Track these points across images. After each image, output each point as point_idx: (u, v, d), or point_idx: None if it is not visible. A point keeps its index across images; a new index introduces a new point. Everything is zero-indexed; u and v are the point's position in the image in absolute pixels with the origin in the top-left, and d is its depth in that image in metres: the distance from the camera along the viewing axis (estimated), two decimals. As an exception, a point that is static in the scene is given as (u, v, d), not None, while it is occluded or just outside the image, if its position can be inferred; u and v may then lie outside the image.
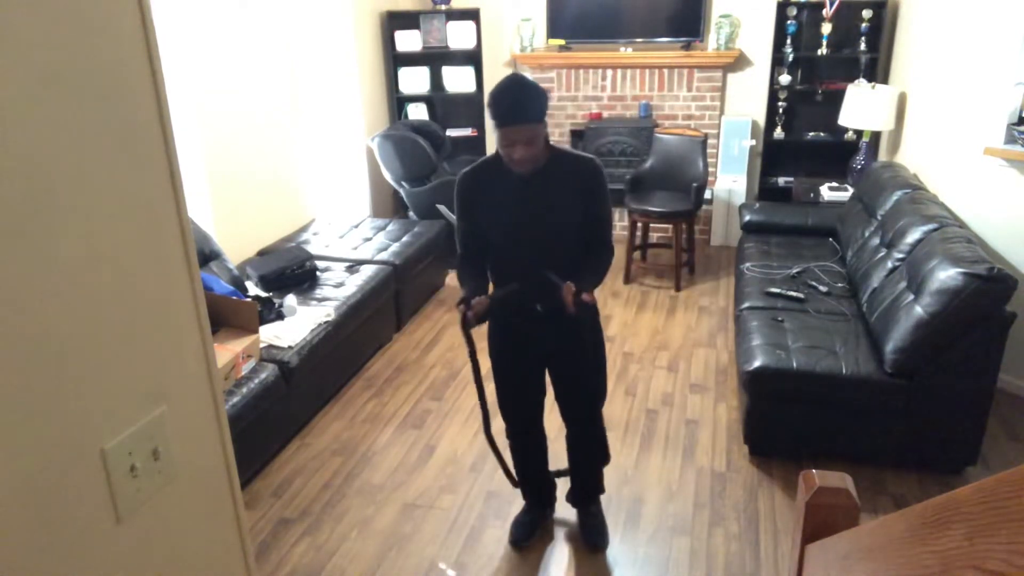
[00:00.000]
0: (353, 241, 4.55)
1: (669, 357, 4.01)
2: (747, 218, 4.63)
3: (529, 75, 5.79)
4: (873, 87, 4.64)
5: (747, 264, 4.02)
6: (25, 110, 0.80)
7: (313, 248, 4.38)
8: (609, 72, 5.64)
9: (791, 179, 5.46)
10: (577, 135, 5.77)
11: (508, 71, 5.92)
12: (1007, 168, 3.42)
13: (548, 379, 2.57)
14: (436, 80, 5.84)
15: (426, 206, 5.10)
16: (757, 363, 2.97)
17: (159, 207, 0.98)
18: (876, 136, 5.06)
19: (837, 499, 1.15)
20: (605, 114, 5.73)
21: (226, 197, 3.98)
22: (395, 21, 5.64)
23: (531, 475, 2.72)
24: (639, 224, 5.06)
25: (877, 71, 5.12)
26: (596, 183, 2.28)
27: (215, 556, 1.16)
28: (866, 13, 5.01)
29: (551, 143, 2.29)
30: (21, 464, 0.82)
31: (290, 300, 3.60)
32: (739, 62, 5.48)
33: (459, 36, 5.62)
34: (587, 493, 2.73)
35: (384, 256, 4.29)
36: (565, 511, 2.83)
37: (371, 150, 5.33)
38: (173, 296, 1.02)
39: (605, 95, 5.71)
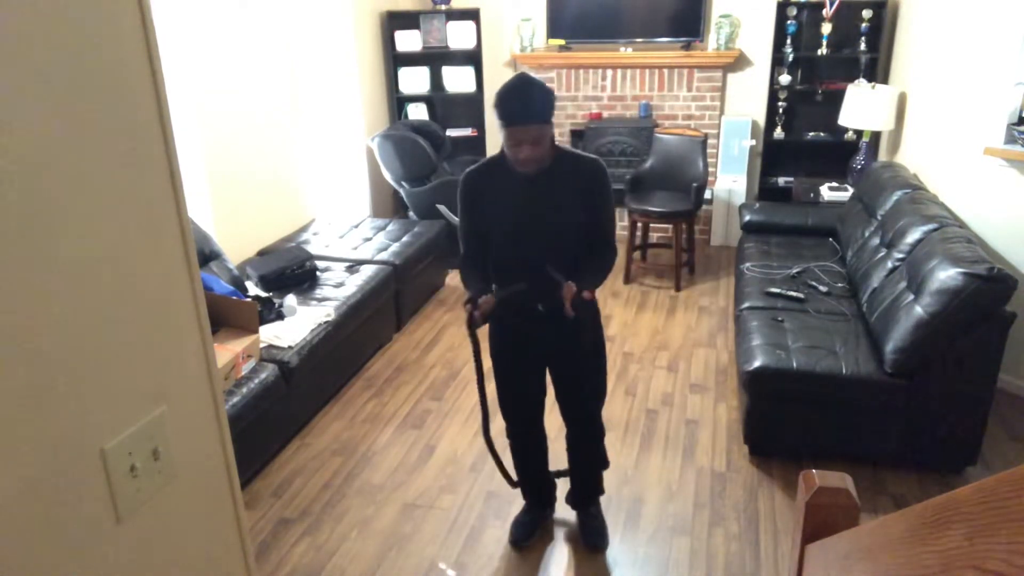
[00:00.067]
0: (353, 241, 4.55)
1: (669, 357, 4.01)
2: (747, 218, 4.63)
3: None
4: (873, 87, 4.64)
5: (747, 264, 4.02)
6: (25, 110, 0.80)
7: (313, 248, 4.38)
8: (609, 72, 5.64)
9: (791, 179, 5.46)
10: (577, 135, 5.77)
11: (508, 71, 5.92)
12: (1007, 168, 3.42)
13: (549, 379, 2.57)
14: (436, 80, 5.84)
15: (426, 206, 5.10)
16: (757, 363, 2.97)
17: (159, 207, 0.98)
18: (876, 136, 5.06)
19: (837, 499, 1.15)
20: (605, 114, 5.73)
21: (226, 197, 3.98)
22: (395, 21, 5.64)
23: (531, 475, 2.72)
24: (639, 224, 5.06)
25: (877, 71, 5.12)
26: (600, 184, 2.28)
27: (215, 556, 1.16)
28: (866, 13, 5.01)
29: (555, 143, 2.29)
30: (21, 464, 0.82)
31: (290, 300, 3.60)
32: (739, 62, 5.48)
33: (459, 36, 5.62)
34: (586, 494, 2.73)
35: (384, 256, 4.29)
36: (565, 511, 2.83)
37: (371, 150, 5.33)
38: (173, 296, 1.02)
39: (605, 95, 5.71)
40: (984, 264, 2.70)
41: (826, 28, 5.10)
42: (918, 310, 2.79)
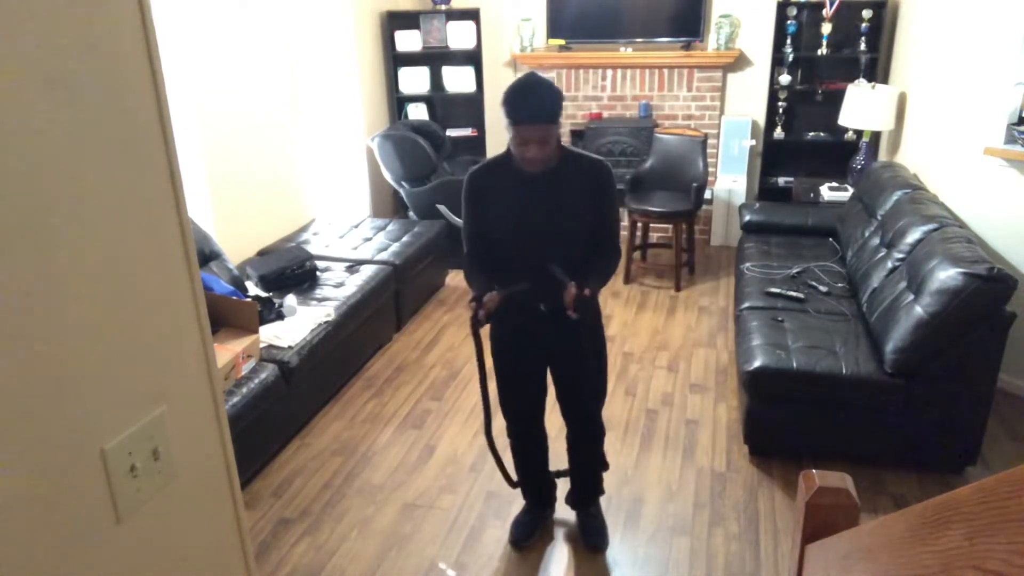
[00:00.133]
0: (353, 241, 4.55)
1: (669, 357, 4.01)
2: (747, 218, 4.63)
3: (529, 75, 5.81)
4: (873, 87, 4.64)
5: (747, 264, 4.02)
6: (25, 110, 0.80)
7: (313, 248, 4.38)
8: (609, 72, 5.64)
9: (791, 179, 5.46)
10: (577, 135, 5.77)
11: (508, 71, 5.92)
12: (1007, 168, 3.42)
13: (550, 379, 2.57)
14: (436, 80, 5.84)
15: (426, 206, 5.10)
16: (757, 363, 2.97)
17: (159, 207, 0.98)
18: (876, 136, 5.06)
19: (837, 499, 1.15)
20: (605, 114, 5.73)
21: (226, 197, 3.98)
22: (395, 21, 5.64)
23: (531, 475, 2.72)
24: (639, 224, 5.06)
25: (877, 71, 5.12)
26: (605, 185, 2.28)
27: (215, 556, 1.16)
28: (866, 13, 5.01)
29: (561, 143, 2.29)
30: (21, 464, 0.82)
31: (290, 300, 3.60)
32: (739, 62, 5.48)
33: (459, 36, 5.62)
34: (586, 494, 2.73)
35: (384, 256, 4.29)
36: (565, 511, 2.83)
37: (371, 150, 5.33)
38: (173, 296, 1.02)
39: (605, 95, 5.71)
40: (984, 264, 2.70)
41: (826, 28, 5.10)
42: (918, 310, 2.79)
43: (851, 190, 4.77)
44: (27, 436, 0.83)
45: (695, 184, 4.84)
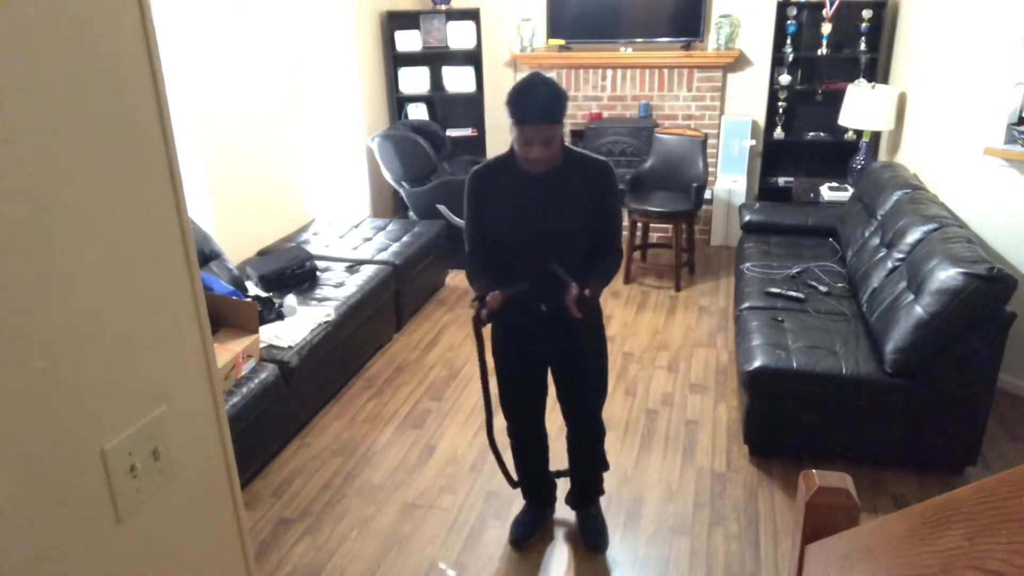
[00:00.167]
0: (353, 241, 4.55)
1: (669, 357, 4.01)
2: (747, 218, 4.63)
3: (529, 75, 5.81)
4: (873, 87, 4.64)
5: (747, 264, 4.02)
6: (25, 110, 0.80)
7: (313, 248, 4.38)
8: (609, 72, 5.64)
9: (791, 179, 5.46)
10: (577, 135, 5.77)
11: (508, 71, 5.92)
12: (1007, 168, 3.42)
13: (550, 378, 2.57)
14: (436, 80, 5.84)
15: (426, 206, 5.10)
16: (757, 363, 2.97)
17: (159, 207, 0.98)
18: (876, 136, 5.06)
19: (837, 499, 1.15)
20: (605, 114, 5.73)
21: (226, 197, 3.98)
22: (395, 21, 5.64)
23: (531, 474, 2.72)
24: (639, 224, 5.06)
25: (877, 71, 5.12)
26: (607, 185, 2.29)
27: (215, 556, 1.16)
28: (866, 13, 5.01)
29: (565, 143, 2.29)
30: (21, 464, 0.82)
31: (290, 300, 3.60)
32: (739, 62, 5.48)
33: (459, 36, 5.62)
34: (586, 494, 2.73)
35: (384, 256, 4.29)
36: (565, 511, 2.83)
37: (371, 150, 5.33)
38: (173, 296, 1.02)
39: (605, 95, 5.71)
40: (984, 264, 2.70)
41: (826, 28, 5.10)
42: (918, 310, 2.79)
43: (851, 190, 4.77)
44: (27, 436, 0.83)
45: (695, 184, 4.84)
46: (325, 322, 3.50)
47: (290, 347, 3.26)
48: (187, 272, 1.04)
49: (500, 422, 2.66)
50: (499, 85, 5.96)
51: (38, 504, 0.85)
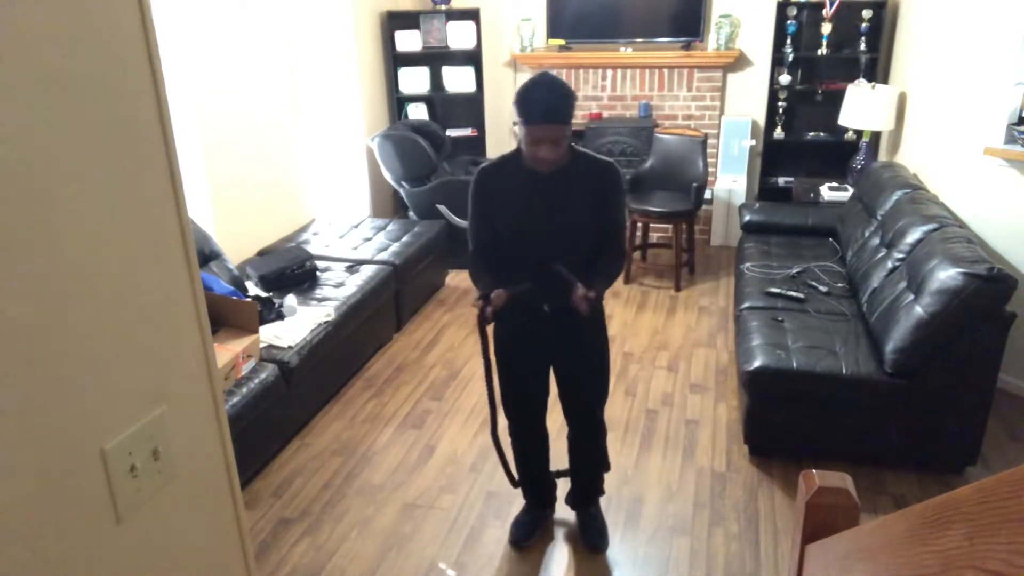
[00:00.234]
0: (353, 241, 4.55)
1: (669, 357, 4.01)
2: (747, 218, 4.63)
3: (528, 75, 5.80)
4: (873, 87, 4.64)
5: (747, 264, 4.02)
6: (25, 110, 0.80)
7: (313, 248, 4.38)
8: (609, 72, 5.64)
9: (791, 179, 5.46)
10: (577, 135, 5.77)
11: (508, 71, 5.93)
12: (1007, 168, 3.42)
13: (552, 378, 2.57)
14: (436, 80, 5.84)
15: (426, 206, 5.10)
16: (757, 363, 2.97)
17: (159, 207, 0.98)
18: (876, 136, 5.06)
19: (837, 499, 1.15)
20: (605, 114, 5.73)
21: (226, 197, 3.98)
22: (395, 21, 5.64)
23: (532, 474, 2.72)
24: (639, 224, 5.06)
25: (877, 71, 5.12)
26: (613, 187, 2.29)
27: (215, 556, 1.16)
28: (866, 13, 5.01)
29: (572, 144, 2.29)
30: (21, 464, 0.82)
31: (290, 300, 3.60)
32: (739, 62, 5.48)
33: (459, 36, 5.62)
34: (587, 495, 2.73)
35: (384, 256, 4.29)
36: (565, 511, 2.83)
37: (371, 150, 5.33)
38: (173, 296, 1.02)
39: (605, 95, 5.71)
40: (984, 264, 2.70)
41: (826, 28, 5.10)
42: (918, 310, 2.79)
43: (851, 190, 4.77)
44: (27, 436, 0.83)
45: (695, 184, 4.84)
46: (325, 322, 3.50)
47: (290, 347, 3.26)
48: (187, 272, 1.04)
49: (502, 421, 2.66)
50: (499, 85, 5.96)
51: (38, 504, 0.85)
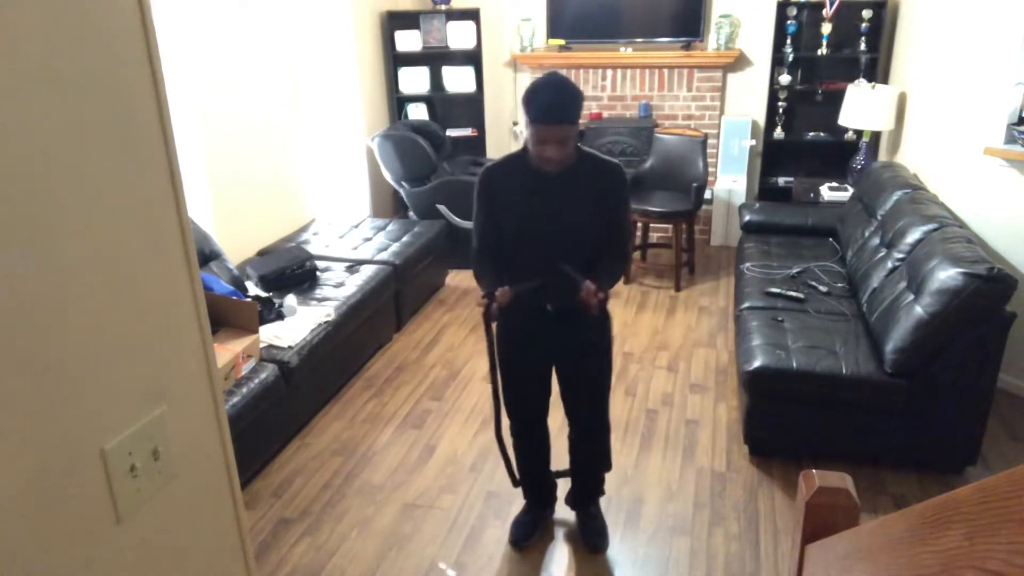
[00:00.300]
0: (353, 241, 4.55)
1: (669, 357, 4.01)
2: (747, 218, 4.63)
3: (529, 75, 5.81)
4: (873, 87, 4.64)
5: (747, 264, 4.02)
6: (25, 110, 0.80)
7: (313, 248, 4.38)
8: (609, 72, 5.64)
9: (791, 179, 5.46)
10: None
11: (508, 71, 5.92)
12: (1007, 168, 3.42)
13: (554, 378, 2.57)
14: (436, 80, 5.84)
15: (426, 206, 5.10)
16: (757, 363, 2.97)
17: (159, 207, 0.98)
18: (876, 136, 5.06)
19: (837, 499, 1.15)
20: (605, 114, 5.73)
21: (226, 197, 3.98)
22: (395, 21, 5.64)
23: (532, 474, 2.72)
24: (639, 224, 5.06)
25: (877, 71, 5.12)
26: (618, 188, 2.29)
27: (215, 556, 1.16)
28: (866, 13, 5.01)
29: (578, 144, 2.29)
30: (21, 464, 0.82)
31: (290, 300, 3.60)
32: (739, 62, 5.48)
33: (459, 36, 5.62)
34: (587, 495, 2.73)
35: (384, 256, 4.29)
36: (565, 511, 2.83)
37: (371, 150, 5.33)
38: (173, 296, 1.02)
39: (605, 95, 5.71)
40: (984, 264, 2.70)
41: (826, 28, 5.10)
42: (918, 310, 2.79)
43: (851, 190, 4.77)
44: (27, 436, 0.83)
45: (695, 184, 4.84)
46: (325, 322, 3.50)
47: (290, 347, 3.26)
48: (187, 272, 1.04)
49: (503, 421, 2.66)
50: (499, 85, 5.96)
51: (38, 504, 0.85)
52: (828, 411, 2.96)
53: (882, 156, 5.11)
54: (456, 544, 2.71)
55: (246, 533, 1.22)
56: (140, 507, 0.99)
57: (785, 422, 3.03)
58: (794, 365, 2.94)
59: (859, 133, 5.01)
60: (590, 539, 2.68)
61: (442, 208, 5.04)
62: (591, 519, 2.72)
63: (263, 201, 4.35)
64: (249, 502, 2.94)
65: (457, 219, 4.99)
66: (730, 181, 5.46)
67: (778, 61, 5.26)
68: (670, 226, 5.35)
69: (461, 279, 5.05)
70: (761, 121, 5.45)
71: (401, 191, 5.20)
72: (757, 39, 5.40)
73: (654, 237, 5.57)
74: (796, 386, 2.94)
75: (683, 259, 4.97)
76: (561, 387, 2.55)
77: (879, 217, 3.76)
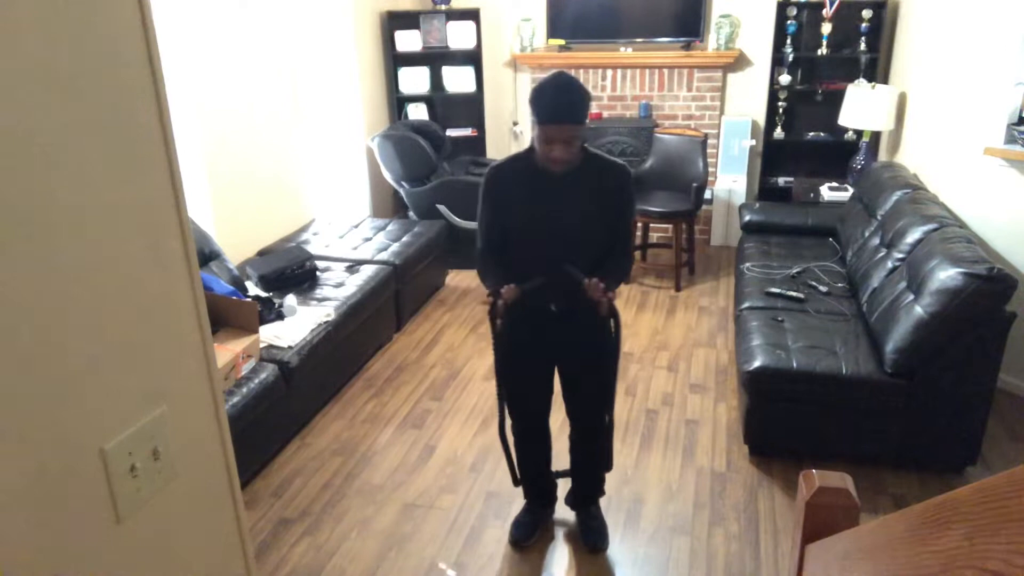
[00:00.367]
0: (353, 241, 4.55)
1: (669, 357, 4.01)
2: (747, 218, 4.63)
3: (528, 75, 5.81)
4: (873, 87, 4.64)
5: (747, 264, 4.02)
6: (25, 110, 0.80)
7: (313, 248, 4.38)
8: (609, 72, 5.64)
9: (791, 179, 5.46)
10: (577, 135, 5.76)
11: (508, 71, 5.92)
12: (1007, 168, 3.42)
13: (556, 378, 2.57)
14: (436, 80, 5.84)
15: (426, 206, 5.10)
16: (757, 363, 2.97)
17: (159, 207, 0.98)
18: (876, 136, 5.06)
19: (837, 499, 1.15)
20: (605, 114, 5.73)
21: (226, 197, 3.98)
22: (395, 21, 5.64)
23: (533, 473, 2.72)
24: (639, 224, 5.06)
25: (877, 71, 5.12)
26: (624, 189, 2.29)
27: (215, 556, 1.16)
28: (866, 13, 5.01)
29: (584, 145, 2.29)
30: (21, 464, 0.82)
31: (290, 300, 3.60)
32: (739, 62, 5.48)
33: (459, 36, 5.62)
34: (587, 495, 2.73)
35: (384, 256, 4.29)
36: (565, 511, 2.83)
37: (371, 150, 5.33)
38: (173, 296, 1.02)
39: (605, 95, 5.71)
40: (984, 264, 2.70)
41: (826, 28, 5.10)
42: (918, 310, 2.79)
43: (851, 190, 4.77)
44: (27, 436, 0.83)
45: (695, 184, 4.84)
46: (325, 322, 3.50)
47: (290, 347, 3.26)
48: (187, 272, 1.04)
49: (507, 419, 2.66)
50: (499, 85, 5.96)
51: (38, 504, 0.85)
52: (828, 411, 2.96)
53: (882, 156, 5.12)
54: (456, 544, 2.71)
55: (246, 533, 1.22)
56: (140, 507, 0.99)
57: (785, 422, 3.03)
58: (794, 365, 2.94)
59: (859, 133, 5.02)
60: (590, 540, 2.68)
61: (442, 208, 5.04)
62: (591, 519, 2.72)
63: (263, 201, 4.35)
64: (249, 502, 2.94)
65: (457, 219, 4.99)
66: (730, 181, 5.46)
67: (778, 61, 5.26)
68: (670, 226, 5.35)
69: (461, 279, 5.06)
70: (761, 121, 5.45)
71: (401, 191, 5.20)
72: (757, 39, 5.40)
73: (654, 237, 5.57)
74: (796, 386, 2.94)
75: (683, 259, 4.97)
76: (563, 387, 2.55)
77: (879, 217, 3.76)
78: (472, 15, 5.60)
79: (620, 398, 3.61)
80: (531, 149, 2.27)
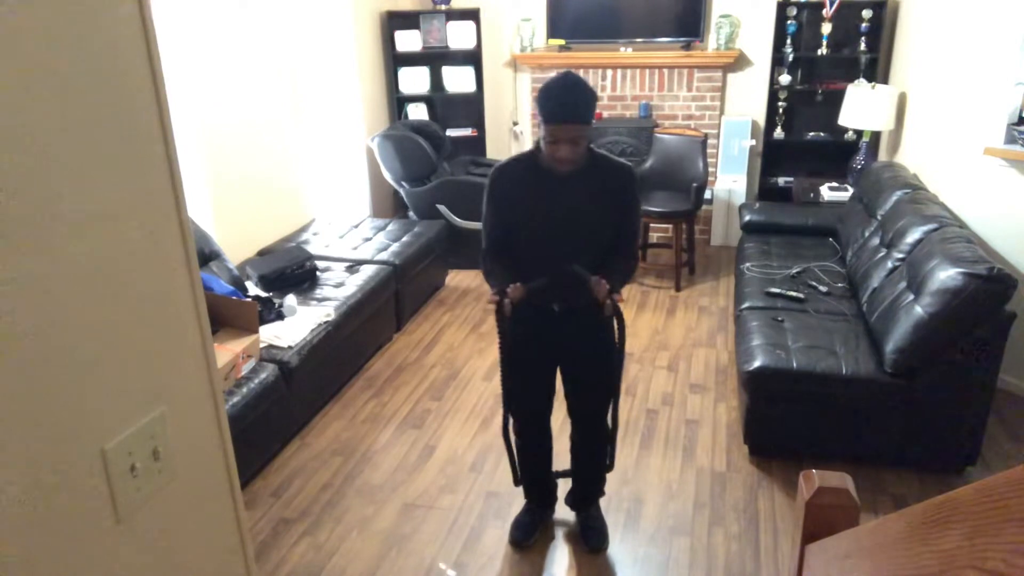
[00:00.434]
0: (353, 241, 4.55)
1: (669, 357, 4.01)
2: (747, 218, 4.63)
3: (528, 75, 5.81)
4: (873, 87, 4.64)
5: (747, 264, 4.02)
6: (25, 110, 0.80)
7: (313, 248, 4.38)
8: (609, 72, 5.64)
9: (791, 179, 5.46)
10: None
11: (508, 71, 5.92)
12: (1007, 168, 3.42)
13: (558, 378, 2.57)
14: (436, 80, 5.84)
15: (426, 206, 5.10)
16: (757, 363, 2.97)
17: (159, 207, 0.98)
18: (876, 136, 5.06)
19: (837, 499, 1.15)
20: (605, 114, 5.73)
21: (226, 197, 3.98)
22: (395, 21, 5.64)
23: (534, 473, 2.72)
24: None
25: (877, 71, 5.12)
26: (629, 190, 2.29)
27: (215, 556, 1.16)
28: (866, 13, 5.01)
29: (590, 145, 2.29)
30: (21, 464, 0.82)
31: (290, 300, 3.60)
32: (739, 62, 5.48)
33: (459, 36, 5.62)
34: (587, 496, 2.73)
35: (384, 256, 4.29)
36: (565, 511, 2.83)
37: (371, 150, 5.33)
38: (173, 296, 1.02)
39: (605, 95, 5.71)
40: (984, 264, 2.70)
41: (826, 28, 5.10)
42: (918, 310, 2.79)
43: (851, 190, 4.77)
44: (27, 436, 0.83)
45: (695, 184, 4.84)
46: (325, 322, 3.50)
47: (290, 347, 3.26)
48: (187, 272, 1.04)
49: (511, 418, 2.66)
50: (499, 85, 5.96)
51: (38, 504, 0.85)
52: (828, 411, 2.96)
53: (882, 156, 5.12)
54: (456, 544, 2.71)
55: (246, 533, 1.22)
56: (140, 507, 0.99)
57: (785, 422, 3.03)
58: (794, 365, 2.94)
59: (859, 133, 5.02)
60: (590, 540, 2.68)
61: (442, 208, 5.04)
62: (591, 519, 2.72)
63: (263, 201, 4.35)
64: (249, 502, 2.94)
65: (457, 219, 4.99)
66: (730, 181, 5.46)
67: (778, 61, 5.26)
68: (670, 226, 5.35)
69: (461, 279, 5.06)
70: (761, 121, 5.45)
71: (401, 191, 5.20)
72: (757, 39, 5.40)
73: (654, 237, 5.57)
74: (796, 386, 2.94)
75: (683, 259, 4.97)
76: (565, 387, 2.55)
77: (879, 217, 3.76)
78: (472, 15, 5.60)
79: (620, 398, 3.60)
80: (536, 149, 2.27)
